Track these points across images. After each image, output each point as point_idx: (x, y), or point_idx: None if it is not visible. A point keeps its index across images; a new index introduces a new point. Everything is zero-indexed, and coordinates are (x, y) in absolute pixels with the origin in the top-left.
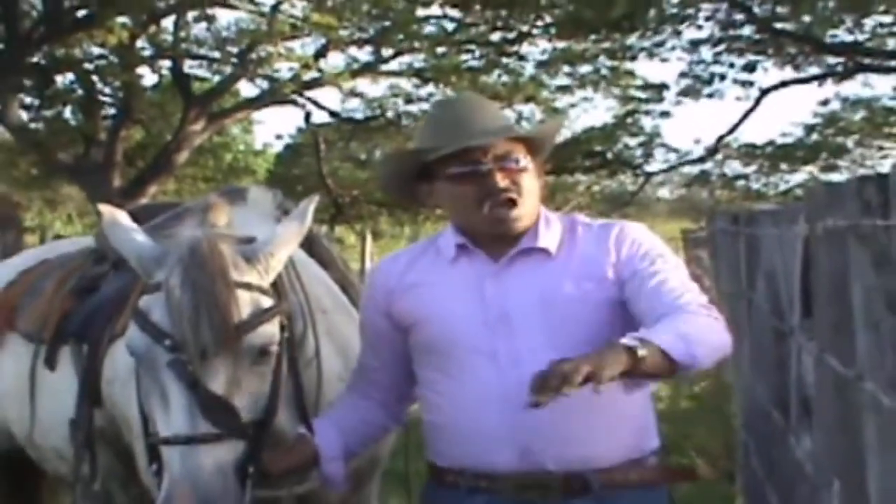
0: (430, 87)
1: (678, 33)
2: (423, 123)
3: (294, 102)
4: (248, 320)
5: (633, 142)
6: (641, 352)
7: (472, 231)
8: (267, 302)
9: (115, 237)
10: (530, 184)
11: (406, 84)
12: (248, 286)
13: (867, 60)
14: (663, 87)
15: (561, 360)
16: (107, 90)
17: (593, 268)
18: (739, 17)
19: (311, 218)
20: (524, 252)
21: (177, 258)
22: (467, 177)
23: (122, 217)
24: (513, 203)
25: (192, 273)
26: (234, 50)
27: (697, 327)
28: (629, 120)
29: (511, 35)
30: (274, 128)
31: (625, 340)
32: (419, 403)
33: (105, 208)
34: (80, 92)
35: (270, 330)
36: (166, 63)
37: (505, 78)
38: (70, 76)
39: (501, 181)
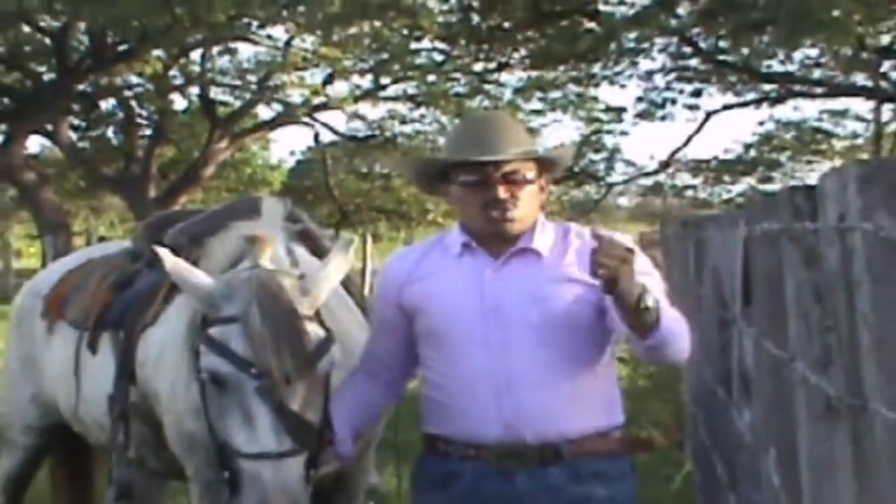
0: (423, 110)
1: (635, 64)
2: (452, 132)
3: (305, 123)
4: (318, 347)
5: (596, 157)
6: (650, 303)
7: (475, 230)
8: (321, 330)
9: (179, 278)
10: (530, 195)
11: (402, 107)
12: (309, 318)
13: (797, 87)
14: (622, 110)
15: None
16: (144, 113)
17: (582, 271)
18: (688, 50)
19: (351, 258)
20: (520, 252)
21: (249, 294)
22: (474, 185)
23: (181, 261)
24: (509, 211)
25: (267, 308)
26: (254, 79)
27: (682, 329)
28: (593, 138)
29: (492, 65)
30: (287, 145)
31: (648, 290)
32: (422, 381)
33: (165, 255)
34: (120, 115)
35: (333, 355)
36: (195, 90)
37: (486, 102)
38: (112, 101)
39: (503, 193)
